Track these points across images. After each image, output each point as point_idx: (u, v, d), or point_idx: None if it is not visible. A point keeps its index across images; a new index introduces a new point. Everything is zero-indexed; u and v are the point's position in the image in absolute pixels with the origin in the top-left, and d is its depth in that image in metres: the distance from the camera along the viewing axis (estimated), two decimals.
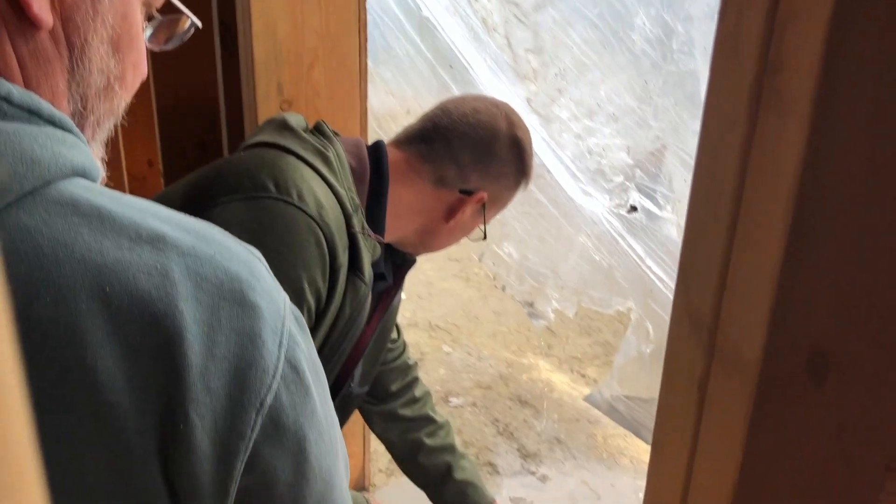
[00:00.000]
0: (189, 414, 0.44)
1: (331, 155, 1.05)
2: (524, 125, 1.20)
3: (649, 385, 2.88)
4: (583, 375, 3.31)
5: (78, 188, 0.45)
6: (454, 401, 3.00)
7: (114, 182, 1.74)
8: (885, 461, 0.40)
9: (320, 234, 0.96)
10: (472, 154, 1.14)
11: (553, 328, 3.61)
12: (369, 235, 1.06)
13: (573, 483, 2.72)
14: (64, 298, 0.41)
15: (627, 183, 2.50)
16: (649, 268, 2.76)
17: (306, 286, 0.95)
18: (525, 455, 2.80)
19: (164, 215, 0.49)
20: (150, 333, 0.43)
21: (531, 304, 3.43)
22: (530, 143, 1.20)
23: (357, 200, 1.06)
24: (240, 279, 0.48)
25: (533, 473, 2.74)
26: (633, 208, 2.51)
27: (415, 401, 1.46)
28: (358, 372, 1.19)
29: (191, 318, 0.44)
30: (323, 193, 0.99)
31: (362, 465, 1.98)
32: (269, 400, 0.47)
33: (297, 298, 0.95)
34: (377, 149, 1.13)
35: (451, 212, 1.15)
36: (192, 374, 0.44)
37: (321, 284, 0.97)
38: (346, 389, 1.18)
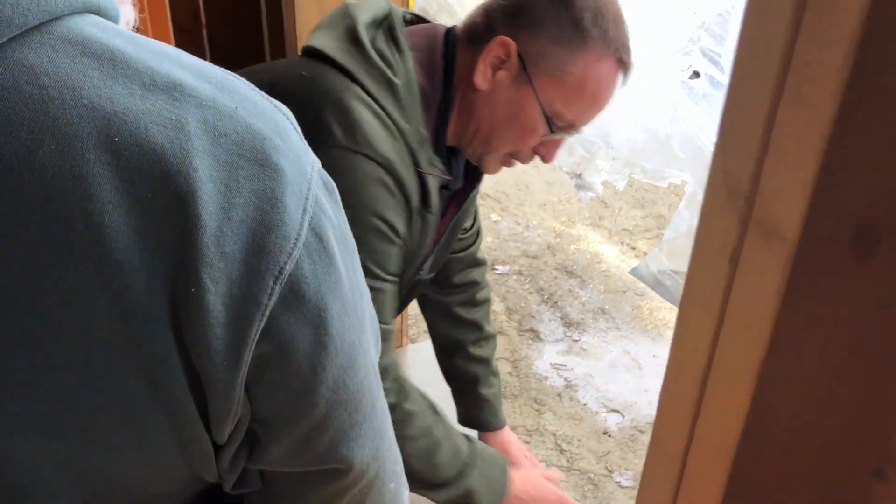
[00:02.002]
0: (202, 277, 0.42)
1: (399, 83, 0.94)
2: None
3: None
4: (633, 248, 3.28)
5: (90, 26, 0.42)
6: (500, 269, 3.02)
7: (160, 37, 1.72)
8: None
9: (391, 183, 0.93)
10: None
11: (605, 200, 3.55)
12: (435, 173, 1.00)
13: (615, 352, 2.75)
14: (70, 147, 0.39)
15: (691, 45, 2.36)
16: (709, 139, 2.66)
17: (388, 230, 0.94)
18: (568, 323, 2.83)
19: (185, 61, 0.45)
20: (161, 190, 0.41)
21: (579, 176, 3.37)
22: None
23: (424, 132, 0.96)
24: (263, 137, 0.44)
25: (576, 341, 2.78)
26: (696, 74, 2.38)
27: (474, 304, 1.42)
28: (429, 261, 1.14)
29: (206, 176, 0.42)
30: (389, 136, 0.92)
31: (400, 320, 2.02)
32: (288, 268, 0.45)
33: (387, 243, 0.93)
34: (448, 49, 0.98)
35: (475, 69, 0.96)
36: (206, 237, 0.42)
37: (401, 226, 0.96)
38: (416, 276, 1.14)
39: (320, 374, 0.49)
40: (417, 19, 1.07)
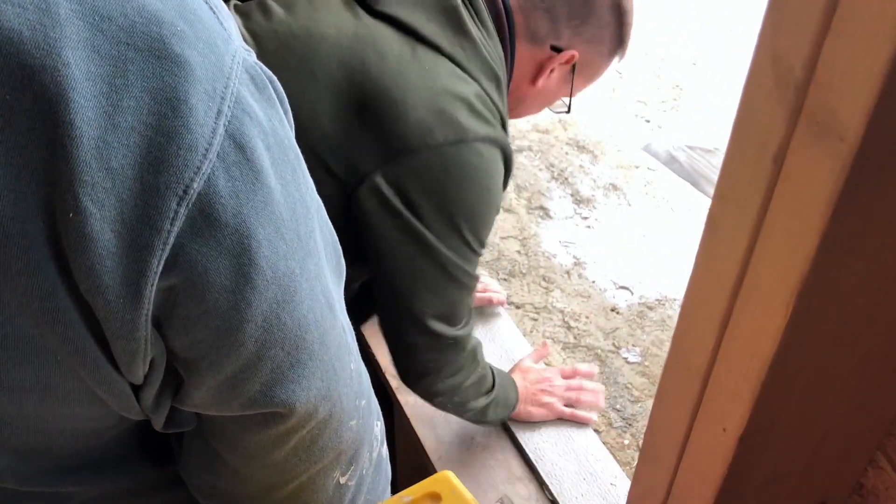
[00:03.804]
0: (80, 199, 0.34)
1: (502, 78, 0.97)
2: None
3: (715, 134, 2.74)
4: (647, 121, 3.18)
5: None
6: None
7: None
8: None
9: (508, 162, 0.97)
10: (569, 7, 1.01)
11: (619, 69, 3.40)
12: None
13: (625, 229, 2.71)
14: None
15: None
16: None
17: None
18: (578, 200, 2.78)
19: None
20: (22, 91, 0.32)
21: None
22: (632, 12, 1.05)
23: (503, 107, 0.98)
24: (160, 21, 0.35)
25: (585, 218, 2.73)
26: None
27: None
28: None
29: (81, 73, 0.33)
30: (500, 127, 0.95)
31: None
32: (196, 185, 0.36)
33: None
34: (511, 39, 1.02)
35: (538, 71, 1.05)
36: (83, 150, 0.34)
37: None
38: None
39: (244, 311, 0.42)
40: None
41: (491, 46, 0.96)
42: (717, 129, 2.80)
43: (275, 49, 0.90)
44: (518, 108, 1.11)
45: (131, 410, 0.45)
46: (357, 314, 1.19)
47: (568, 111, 1.15)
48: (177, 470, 0.58)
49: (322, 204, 0.50)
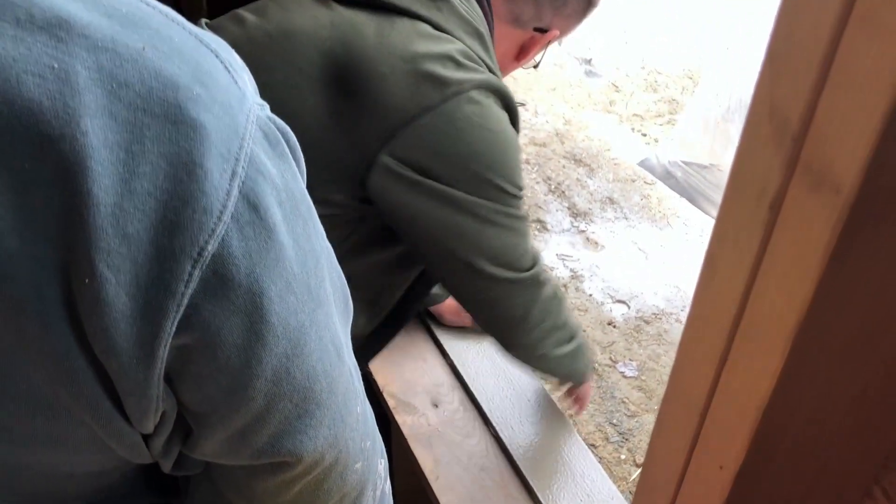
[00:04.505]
0: (96, 266, 0.35)
1: (483, 32, 0.99)
2: None
3: (711, 151, 2.76)
4: (643, 135, 3.19)
5: None
6: None
7: None
8: None
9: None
10: None
11: (617, 83, 3.42)
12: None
13: (622, 243, 2.72)
14: None
15: None
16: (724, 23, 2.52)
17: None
18: (575, 213, 2.79)
19: None
20: (41, 161, 0.33)
21: (589, 62, 3.22)
22: None
23: (491, 60, 1.01)
24: (177, 86, 0.36)
25: (582, 232, 2.74)
26: None
27: None
28: None
29: (99, 140, 0.34)
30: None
31: None
32: (211, 248, 0.37)
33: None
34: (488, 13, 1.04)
35: (523, 51, 1.11)
36: (100, 217, 0.34)
37: None
38: None
39: (255, 367, 0.43)
40: None
41: (468, 6, 0.98)
42: (713, 145, 2.81)
43: (252, 52, 0.90)
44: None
45: (141, 457, 0.46)
46: (373, 347, 1.20)
47: (536, 67, 1.20)
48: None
49: (332, 250, 0.50)
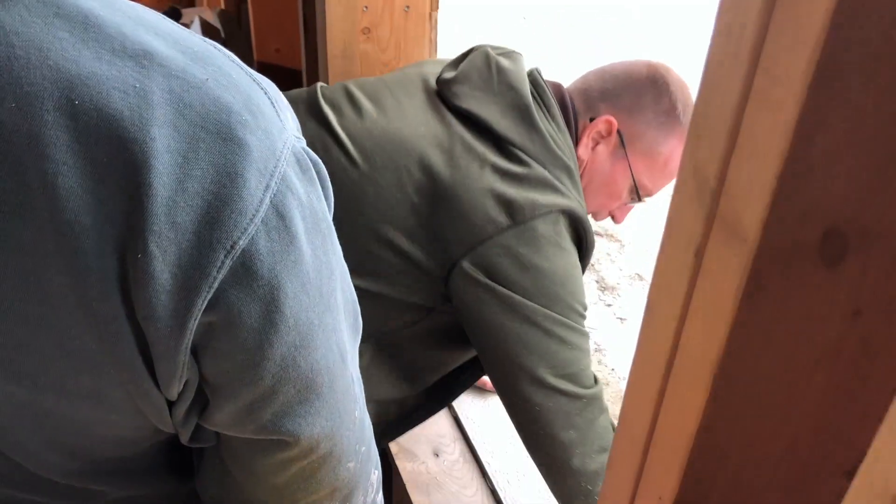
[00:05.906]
0: (148, 244, 0.43)
1: (573, 168, 1.02)
2: (677, 77, 1.09)
3: None
4: None
5: None
6: None
7: None
8: None
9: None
10: (601, 80, 1.09)
11: None
12: None
13: None
14: (30, 106, 0.40)
15: None
16: None
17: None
18: (603, 287, 2.82)
19: (163, 29, 0.45)
20: (116, 157, 0.41)
21: None
22: (679, 86, 1.09)
23: (578, 194, 1.04)
24: (230, 111, 0.44)
25: (609, 306, 2.76)
26: None
27: None
28: None
29: (163, 146, 0.42)
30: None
31: None
32: (242, 243, 0.45)
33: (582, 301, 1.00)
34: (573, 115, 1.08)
35: (577, 142, 1.09)
36: (156, 205, 0.42)
37: None
38: None
39: (267, 350, 0.50)
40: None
41: (560, 139, 1.02)
42: None
43: (370, 147, 0.98)
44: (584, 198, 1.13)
45: (164, 423, 0.53)
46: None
47: (639, 198, 1.15)
48: (194, 487, 0.66)
49: (347, 270, 0.57)
